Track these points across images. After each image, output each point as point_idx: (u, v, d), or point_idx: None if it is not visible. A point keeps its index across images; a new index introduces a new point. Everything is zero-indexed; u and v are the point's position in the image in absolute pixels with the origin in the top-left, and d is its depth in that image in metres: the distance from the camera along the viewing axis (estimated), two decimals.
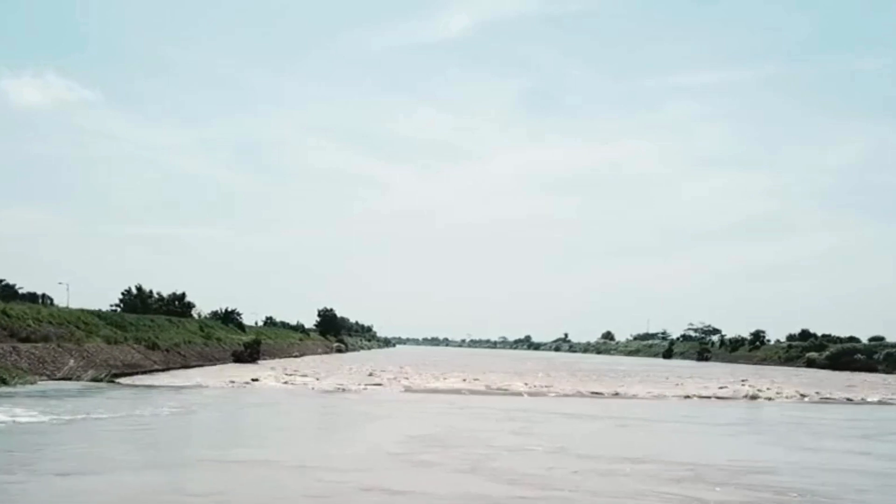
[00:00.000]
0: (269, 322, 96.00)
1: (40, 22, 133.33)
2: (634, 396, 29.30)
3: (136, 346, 37.07)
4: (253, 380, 30.21)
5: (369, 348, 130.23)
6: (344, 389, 28.30)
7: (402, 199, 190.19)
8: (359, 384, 30.42)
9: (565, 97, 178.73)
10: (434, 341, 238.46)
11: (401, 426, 18.02)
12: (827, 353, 63.80)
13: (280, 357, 65.34)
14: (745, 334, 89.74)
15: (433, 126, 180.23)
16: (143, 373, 33.50)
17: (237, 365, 47.48)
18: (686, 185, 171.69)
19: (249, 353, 53.17)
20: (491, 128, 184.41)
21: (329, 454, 13.54)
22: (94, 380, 26.95)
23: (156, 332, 43.94)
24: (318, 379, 32.86)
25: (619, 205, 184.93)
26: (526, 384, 33.33)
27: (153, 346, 38.66)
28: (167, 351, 40.45)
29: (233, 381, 29.21)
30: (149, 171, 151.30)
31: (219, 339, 55.16)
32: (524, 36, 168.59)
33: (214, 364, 45.82)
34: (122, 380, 28.33)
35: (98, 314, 40.10)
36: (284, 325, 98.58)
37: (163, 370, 36.07)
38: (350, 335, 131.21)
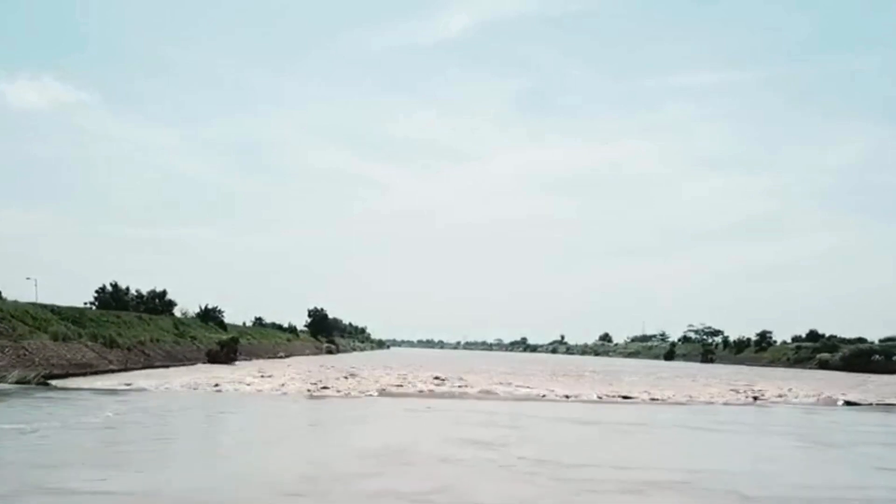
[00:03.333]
0: (259, 322, 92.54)
1: (38, 23, 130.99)
2: (662, 400, 25.87)
3: (90, 343, 33.57)
4: (214, 383, 26.69)
5: (362, 349, 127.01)
6: (312, 393, 24.84)
7: (401, 199, 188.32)
8: (330, 387, 26.99)
9: (565, 97, 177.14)
10: (429, 343, 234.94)
11: (359, 436, 14.61)
12: (840, 354, 60.38)
13: (264, 358, 61.93)
14: (743, 335, 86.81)
15: (433, 126, 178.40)
16: (94, 373, 30.04)
17: (210, 366, 43.94)
18: (686, 186, 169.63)
19: (226, 352, 49.56)
20: (490, 128, 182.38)
21: (235, 481, 10.00)
22: (21, 381, 23.39)
23: (119, 329, 40.46)
24: (284, 382, 29.36)
25: (618, 205, 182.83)
26: (518, 386, 29.95)
27: (111, 345, 35.16)
28: (128, 350, 36.93)
29: (185, 383, 25.69)
30: (148, 171, 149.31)
31: (193, 338, 51.65)
32: (524, 36, 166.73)
33: (185, 364, 42.34)
34: (59, 381, 24.80)
35: (52, 309, 36.57)
36: (276, 325, 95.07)
37: (119, 371, 32.60)
38: (343, 336, 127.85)
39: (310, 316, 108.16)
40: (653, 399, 26.40)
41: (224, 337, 54.46)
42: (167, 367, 38.78)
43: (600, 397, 26.41)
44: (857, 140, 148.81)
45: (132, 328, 43.42)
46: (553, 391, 27.74)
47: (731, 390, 31.11)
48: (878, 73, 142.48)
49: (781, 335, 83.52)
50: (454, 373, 39.02)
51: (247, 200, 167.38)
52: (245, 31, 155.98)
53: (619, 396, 26.85)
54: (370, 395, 24.59)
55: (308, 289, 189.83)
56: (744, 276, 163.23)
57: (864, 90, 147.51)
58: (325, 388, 26.35)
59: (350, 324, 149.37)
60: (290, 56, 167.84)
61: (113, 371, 31.96)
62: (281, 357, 67.02)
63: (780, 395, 29.27)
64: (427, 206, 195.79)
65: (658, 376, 45.44)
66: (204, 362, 46.13)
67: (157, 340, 43.69)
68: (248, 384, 26.95)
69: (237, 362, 49.81)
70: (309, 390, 25.56)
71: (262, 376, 32.30)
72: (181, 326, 53.98)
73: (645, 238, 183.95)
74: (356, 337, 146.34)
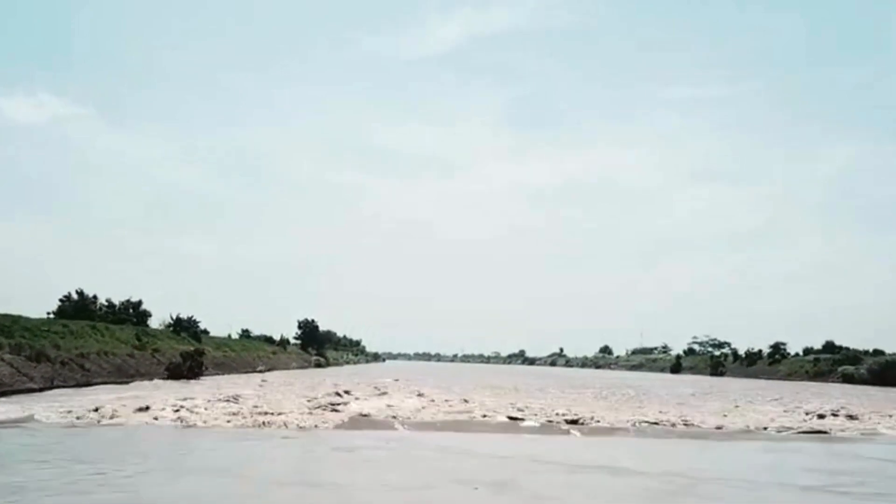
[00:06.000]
0: (246, 334, 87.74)
1: (27, 31, 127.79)
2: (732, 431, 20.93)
3: (9, 357, 28.65)
4: (142, 408, 21.61)
5: (356, 363, 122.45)
6: (266, 422, 19.78)
7: (396, 210, 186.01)
8: (299, 410, 21.98)
9: (557, 108, 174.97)
10: (425, 356, 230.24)
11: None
12: (866, 366, 55.48)
13: (241, 371, 57.17)
14: (751, 347, 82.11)
15: (424, 137, 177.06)
16: (3, 394, 25.18)
17: (167, 382, 38.95)
18: (677, 196, 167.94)
19: (189, 366, 44.47)
20: (482, 139, 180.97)
21: None
22: None
23: (62, 339, 35.52)
24: (238, 402, 24.39)
25: (612, 216, 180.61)
26: (521, 409, 25.02)
27: (38, 358, 30.19)
28: (62, 364, 31.97)
29: (93, 408, 20.64)
30: (139, 181, 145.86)
31: (156, 351, 46.66)
32: (515, 48, 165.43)
33: (136, 380, 37.37)
34: None
35: None
36: (266, 338, 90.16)
37: (41, 389, 27.74)
38: (336, 349, 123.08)
39: (300, 328, 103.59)
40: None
41: (190, 349, 49.53)
42: (111, 384, 33.83)
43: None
44: (849, 150, 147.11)
45: (79, 339, 38.46)
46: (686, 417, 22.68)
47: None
48: (870, 84, 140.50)
49: (787, 347, 79.09)
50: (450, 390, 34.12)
51: (239, 209, 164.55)
52: (236, 39, 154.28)
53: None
54: (343, 423, 19.68)
55: (303, 301, 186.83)
56: (738, 287, 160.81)
57: (856, 100, 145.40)
58: (264, 419, 21.28)
59: (344, 336, 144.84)
60: (280, 66, 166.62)
61: (32, 390, 27.08)
62: (260, 371, 62.16)
63: None
64: (421, 216, 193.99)
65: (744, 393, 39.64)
66: (163, 378, 41.22)
67: (107, 353, 38.74)
68: (188, 411, 21.72)
69: (203, 377, 44.88)
70: (229, 421, 20.26)
71: (228, 395, 27.32)
72: (144, 338, 49.01)
73: (638, 250, 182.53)
74: (349, 350, 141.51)
